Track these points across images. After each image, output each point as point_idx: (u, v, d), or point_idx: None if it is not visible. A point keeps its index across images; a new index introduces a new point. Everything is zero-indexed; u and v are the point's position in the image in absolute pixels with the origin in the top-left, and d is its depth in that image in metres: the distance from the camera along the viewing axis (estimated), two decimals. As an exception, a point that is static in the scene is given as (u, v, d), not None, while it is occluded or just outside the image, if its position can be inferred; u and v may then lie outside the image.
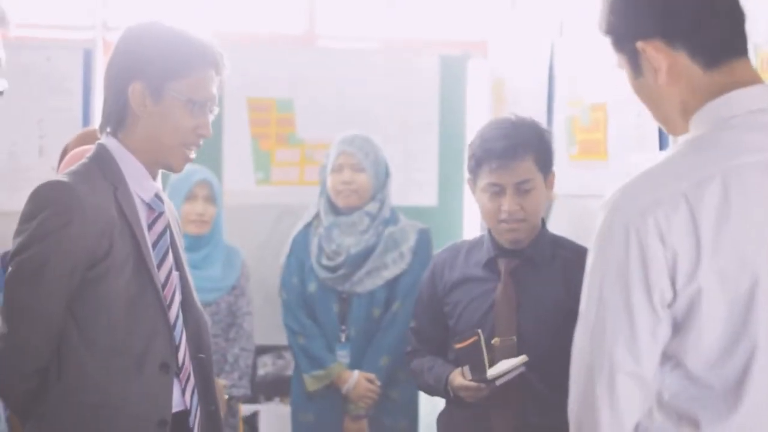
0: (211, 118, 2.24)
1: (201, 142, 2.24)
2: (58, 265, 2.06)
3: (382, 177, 3.76)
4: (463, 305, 2.85)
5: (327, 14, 4.87)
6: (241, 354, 3.80)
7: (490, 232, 2.86)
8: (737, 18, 1.65)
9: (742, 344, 1.52)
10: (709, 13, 1.62)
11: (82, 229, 2.06)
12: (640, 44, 1.63)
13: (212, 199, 3.81)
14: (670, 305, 1.53)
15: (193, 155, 2.25)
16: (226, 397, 3.70)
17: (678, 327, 1.54)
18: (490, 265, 2.85)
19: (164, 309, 2.16)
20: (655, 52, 1.62)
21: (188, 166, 4.06)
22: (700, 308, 1.52)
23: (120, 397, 2.10)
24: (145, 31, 2.22)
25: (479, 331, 2.68)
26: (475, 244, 2.94)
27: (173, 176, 3.76)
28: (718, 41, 1.62)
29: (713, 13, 1.62)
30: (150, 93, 2.16)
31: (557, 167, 3.78)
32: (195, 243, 3.76)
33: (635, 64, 1.66)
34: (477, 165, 2.80)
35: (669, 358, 1.56)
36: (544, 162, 2.81)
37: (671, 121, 1.68)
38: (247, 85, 4.49)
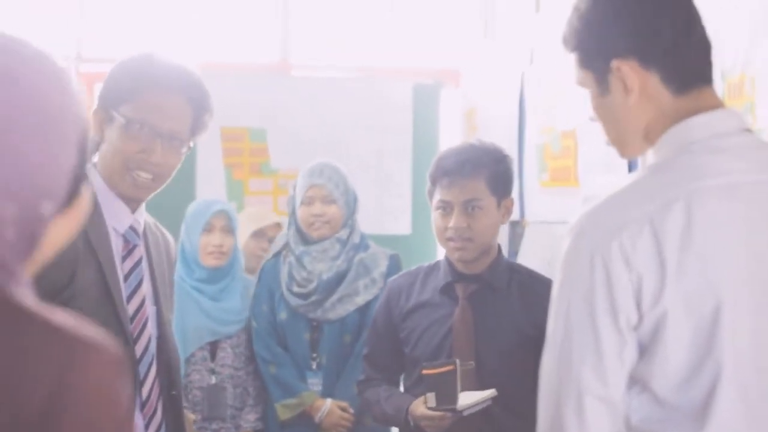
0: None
1: (155, 169, 2.16)
2: None
3: (352, 205, 3.74)
4: (421, 331, 2.83)
5: (300, 43, 4.90)
6: (263, 387, 3.75)
7: (447, 257, 2.87)
8: (707, 46, 1.66)
9: (707, 366, 1.52)
10: (685, 39, 1.63)
11: None
12: (615, 63, 1.63)
13: (230, 230, 3.73)
14: (636, 328, 1.53)
15: (147, 180, 2.16)
16: (250, 430, 3.70)
17: (644, 350, 1.55)
18: (447, 290, 2.84)
19: (129, 342, 2.10)
20: (630, 72, 1.62)
21: (206, 198, 4.02)
22: (665, 331, 1.52)
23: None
24: (122, 60, 2.21)
25: (457, 360, 2.65)
26: (432, 269, 2.93)
27: (191, 208, 3.76)
28: (690, 67, 1.63)
29: (689, 39, 1.63)
30: (104, 118, 2.16)
31: (529, 194, 3.82)
32: (213, 275, 3.72)
33: (603, 82, 1.65)
34: (432, 183, 2.84)
35: (636, 381, 1.56)
36: (498, 185, 2.80)
37: (628, 142, 1.68)
38: (220, 115, 4.48)
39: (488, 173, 2.78)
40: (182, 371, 3.28)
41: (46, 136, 1.07)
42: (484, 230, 2.78)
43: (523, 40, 3.96)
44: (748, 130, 1.65)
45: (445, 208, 2.79)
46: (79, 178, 1.11)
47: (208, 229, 3.70)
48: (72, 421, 1.01)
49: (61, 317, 1.07)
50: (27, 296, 1.07)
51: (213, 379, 3.65)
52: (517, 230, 3.92)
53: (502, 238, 3.29)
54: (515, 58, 4.02)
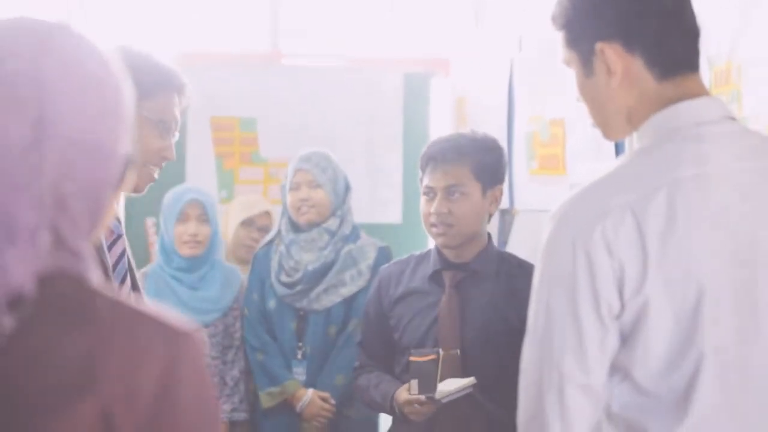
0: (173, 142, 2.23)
1: (163, 165, 2.22)
2: None
3: (341, 192, 3.75)
4: (408, 318, 2.85)
5: (290, 33, 4.89)
6: (241, 377, 3.75)
7: (437, 245, 2.87)
8: (695, 34, 1.66)
9: (689, 355, 1.52)
10: (672, 26, 1.63)
11: None
12: (599, 45, 1.63)
13: (206, 218, 3.73)
14: (617, 317, 1.53)
15: (155, 175, 2.24)
16: (226, 421, 3.68)
17: (625, 338, 1.54)
18: (436, 278, 2.85)
19: None
20: (614, 55, 1.62)
21: (180, 187, 4.04)
22: (647, 319, 1.51)
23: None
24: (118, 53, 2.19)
25: (439, 350, 2.67)
26: (423, 257, 2.94)
27: (166, 197, 3.77)
28: (676, 54, 1.63)
29: (676, 26, 1.63)
30: None
31: (518, 182, 3.82)
32: (191, 264, 3.73)
33: (588, 63, 1.66)
34: (422, 171, 2.86)
35: (617, 369, 1.56)
36: (485, 173, 2.81)
37: (612, 124, 1.68)
38: (210, 104, 4.50)
39: (473, 160, 2.78)
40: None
41: (112, 131, 1.12)
42: (465, 216, 2.78)
43: (512, 27, 3.95)
44: (732, 118, 1.65)
45: (429, 193, 2.81)
46: (128, 164, 1.17)
47: (182, 218, 3.71)
48: (182, 408, 1.06)
49: (143, 304, 1.11)
50: (99, 281, 1.11)
51: (189, 368, 3.63)
52: (506, 218, 3.92)
53: (492, 226, 3.30)
54: (504, 46, 4.01)
